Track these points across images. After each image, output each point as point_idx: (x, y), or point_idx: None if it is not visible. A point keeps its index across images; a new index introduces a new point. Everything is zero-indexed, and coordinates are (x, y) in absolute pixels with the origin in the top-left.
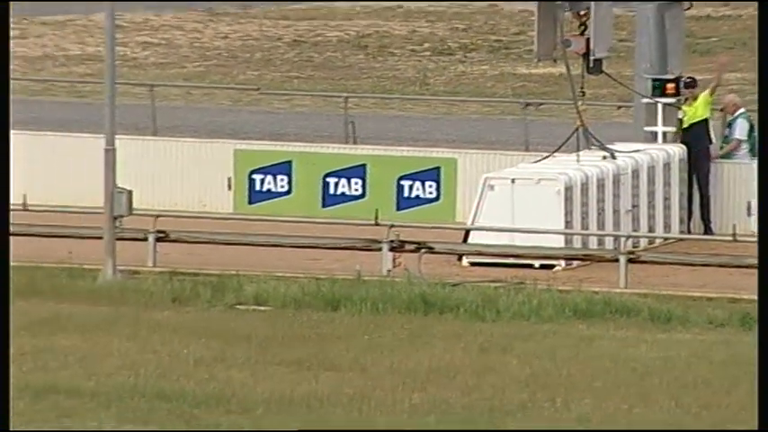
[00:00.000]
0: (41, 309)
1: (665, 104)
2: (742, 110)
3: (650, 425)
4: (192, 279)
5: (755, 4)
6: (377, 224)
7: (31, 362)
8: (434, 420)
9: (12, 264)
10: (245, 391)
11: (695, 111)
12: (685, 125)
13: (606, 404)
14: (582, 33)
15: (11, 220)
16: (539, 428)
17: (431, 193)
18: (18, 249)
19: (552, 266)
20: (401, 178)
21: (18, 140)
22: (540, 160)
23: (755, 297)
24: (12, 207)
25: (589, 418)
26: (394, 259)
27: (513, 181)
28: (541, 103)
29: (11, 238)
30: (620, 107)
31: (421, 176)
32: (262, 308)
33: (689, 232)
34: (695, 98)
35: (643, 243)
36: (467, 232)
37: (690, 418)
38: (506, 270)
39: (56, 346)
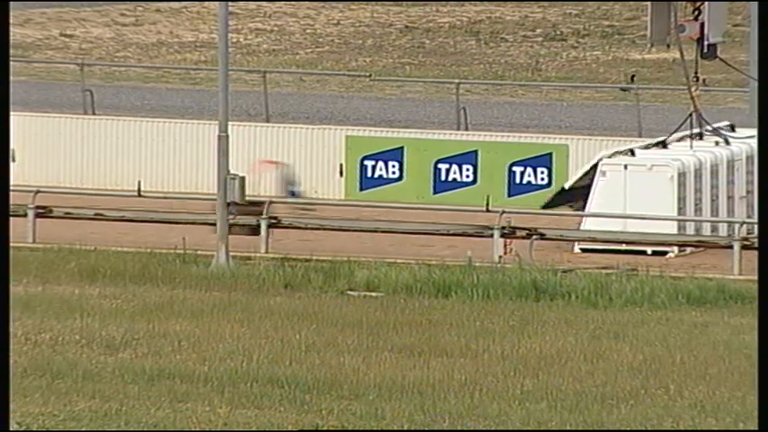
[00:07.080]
0: (155, 294)
1: None
2: None
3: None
4: (304, 265)
5: None
6: (488, 210)
7: (146, 346)
8: (546, 407)
9: (126, 250)
10: (356, 376)
11: None
12: None
13: (720, 391)
14: (696, 18)
15: (126, 207)
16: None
17: (542, 179)
18: (132, 235)
19: (665, 253)
20: (512, 165)
21: (132, 127)
22: (652, 146)
23: None
24: (126, 193)
25: (703, 405)
26: (505, 245)
27: (625, 167)
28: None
29: (126, 223)
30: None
31: (532, 163)
32: (373, 294)
33: None
34: None
35: None
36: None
37: None
38: (618, 256)
39: (169, 331)
